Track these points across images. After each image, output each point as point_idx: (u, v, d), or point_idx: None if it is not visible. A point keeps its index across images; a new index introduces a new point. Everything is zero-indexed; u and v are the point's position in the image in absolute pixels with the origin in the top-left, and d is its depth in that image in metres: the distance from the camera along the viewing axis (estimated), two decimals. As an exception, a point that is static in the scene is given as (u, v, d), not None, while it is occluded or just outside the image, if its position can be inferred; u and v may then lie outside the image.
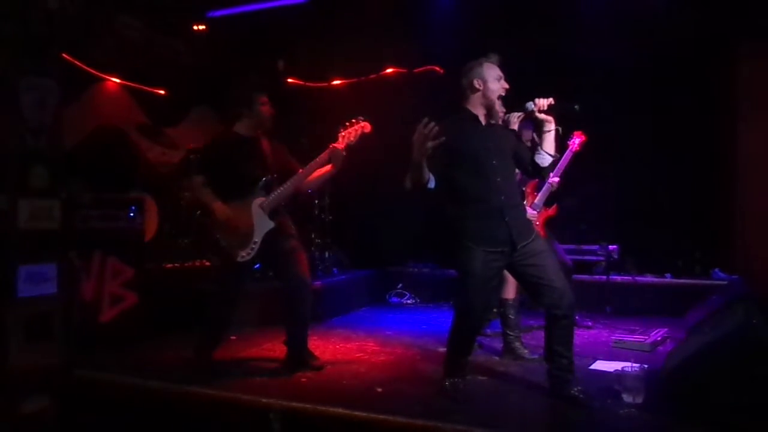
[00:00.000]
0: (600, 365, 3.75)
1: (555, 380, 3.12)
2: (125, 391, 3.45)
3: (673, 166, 5.85)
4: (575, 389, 3.04)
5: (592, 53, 5.63)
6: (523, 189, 4.34)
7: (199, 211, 3.74)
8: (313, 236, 6.05)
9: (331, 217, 6.27)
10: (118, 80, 6.34)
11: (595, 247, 5.76)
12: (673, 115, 5.82)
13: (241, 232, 3.63)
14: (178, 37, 6.41)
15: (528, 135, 3.96)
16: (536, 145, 3.24)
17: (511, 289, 4.11)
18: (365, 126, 3.67)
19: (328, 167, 3.70)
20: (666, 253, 5.93)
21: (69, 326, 3.60)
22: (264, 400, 3.09)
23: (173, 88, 6.73)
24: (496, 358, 4.03)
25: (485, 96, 3.17)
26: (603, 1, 5.59)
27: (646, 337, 4.29)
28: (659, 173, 5.89)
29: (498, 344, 4.21)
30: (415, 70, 6.92)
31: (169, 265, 5.43)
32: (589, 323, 5.00)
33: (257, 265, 5.10)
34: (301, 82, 7.33)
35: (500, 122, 3.32)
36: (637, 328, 4.67)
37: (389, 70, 7.01)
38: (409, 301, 6.46)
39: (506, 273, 3.99)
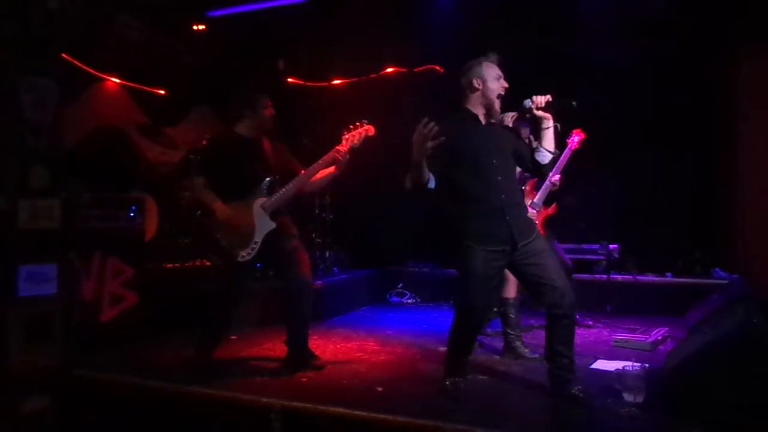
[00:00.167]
0: (600, 364, 3.75)
1: (556, 379, 3.12)
2: (125, 391, 3.45)
3: (674, 165, 5.84)
4: (576, 388, 3.04)
5: (592, 53, 5.63)
6: (523, 188, 4.34)
7: (199, 211, 3.73)
8: (313, 236, 6.06)
9: (331, 217, 6.28)
10: (117, 80, 6.34)
11: (595, 246, 5.75)
12: (674, 114, 5.83)
13: (242, 232, 3.63)
14: (178, 37, 6.40)
15: (525, 133, 3.96)
16: (535, 143, 3.24)
17: (511, 288, 4.11)
18: (369, 129, 3.67)
19: (331, 169, 3.70)
20: (666, 252, 5.93)
21: (69, 326, 3.61)
22: (264, 400, 3.08)
23: (173, 87, 6.73)
24: (497, 357, 4.03)
25: (484, 95, 3.16)
26: (603, 1, 5.59)
27: (647, 337, 4.29)
28: (660, 172, 5.89)
29: (498, 343, 4.21)
30: (416, 70, 6.92)
31: (170, 265, 5.43)
32: (590, 322, 5.00)
33: (258, 265, 5.11)
34: (302, 82, 7.33)
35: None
36: (638, 327, 4.67)
37: (389, 70, 7.01)
38: (409, 301, 6.47)
39: (507, 272, 4.01)
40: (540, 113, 3.18)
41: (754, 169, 5.59)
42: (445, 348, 3.36)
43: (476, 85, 3.16)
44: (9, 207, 3.23)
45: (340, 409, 2.94)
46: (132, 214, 4.68)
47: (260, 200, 3.67)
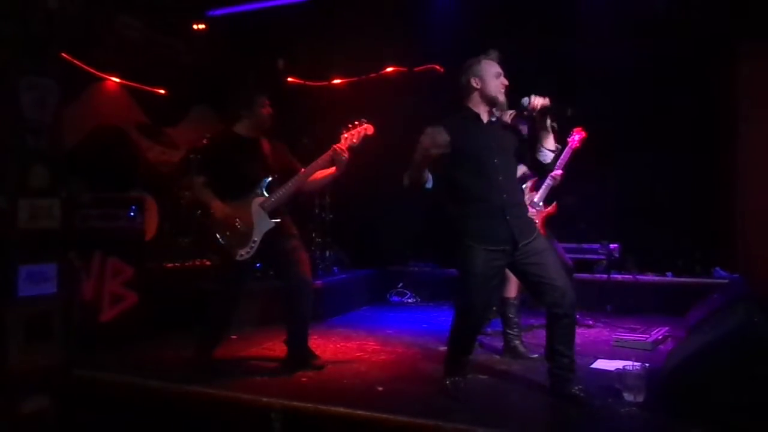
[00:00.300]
0: (601, 364, 3.75)
1: (556, 379, 3.11)
2: (125, 391, 3.45)
3: (674, 164, 5.84)
4: (576, 388, 3.04)
5: (592, 53, 5.62)
6: (524, 186, 4.33)
7: (199, 211, 3.73)
8: (313, 235, 6.05)
9: (331, 216, 6.27)
10: (117, 80, 6.33)
11: (595, 245, 5.75)
12: (674, 114, 5.82)
13: (241, 231, 3.63)
14: (178, 36, 6.40)
15: (524, 130, 3.96)
16: (536, 142, 3.23)
17: (512, 288, 4.11)
18: (368, 128, 3.66)
19: (331, 169, 3.70)
20: (667, 251, 5.93)
21: (69, 326, 3.60)
22: (265, 400, 3.08)
23: (173, 87, 6.72)
24: (497, 356, 4.03)
25: (484, 94, 3.16)
26: (603, 1, 5.59)
27: (647, 336, 4.29)
28: (660, 172, 5.89)
29: (498, 343, 4.21)
30: (416, 69, 6.91)
31: (170, 265, 5.43)
32: (590, 322, 5.00)
33: (258, 265, 5.11)
34: (302, 81, 7.33)
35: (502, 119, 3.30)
36: (638, 326, 4.67)
37: (390, 69, 7.00)
38: (409, 300, 6.46)
39: (508, 272, 4.01)
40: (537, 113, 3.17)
41: (755, 168, 5.59)
42: (445, 347, 3.36)
43: (474, 84, 3.16)
44: (9, 206, 3.22)
45: (341, 409, 2.94)
46: (132, 214, 4.68)
47: (259, 199, 3.67)
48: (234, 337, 4.54)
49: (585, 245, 5.79)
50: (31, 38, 3.33)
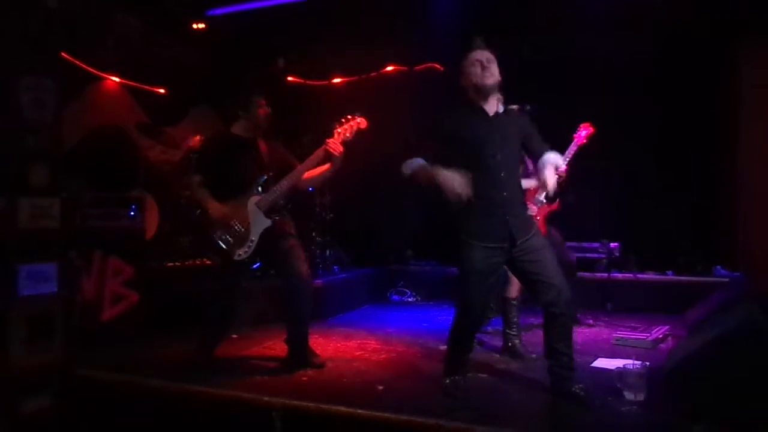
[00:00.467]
0: (601, 363, 3.75)
1: (556, 378, 3.11)
2: (126, 390, 3.45)
3: (675, 163, 5.84)
4: (576, 387, 3.03)
5: (592, 52, 5.62)
6: (526, 185, 4.30)
7: (199, 211, 3.73)
8: (314, 234, 6.05)
9: (331, 215, 6.27)
10: (117, 79, 6.33)
11: (596, 244, 5.75)
12: (675, 112, 5.82)
13: (238, 230, 3.63)
14: (178, 35, 6.39)
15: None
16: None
17: (513, 289, 4.11)
18: (361, 122, 3.65)
19: (326, 165, 3.70)
20: (667, 250, 5.93)
21: (70, 325, 3.61)
22: (266, 399, 3.08)
23: (173, 86, 6.72)
24: (497, 355, 4.03)
25: (471, 86, 3.12)
26: (604, 1, 5.58)
27: (648, 335, 4.28)
28: (660, 170, 5.88)
29: (498, 342, 4.21)
30: (416, 68, 6.91)
31: (170, 264, 5.43)
32: (591, 321, 4.99)
33: (257, 264, 5.10)
34: (302, 81, 7.32)
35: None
36: (639, 325, 4.66)
37: (390, 68, 7.00)
38: (410, 299, 6.46)
39: (510, 273, 4.01)
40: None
41: (755, 167, 5.59)
42: (445, 346, 3.36)
43: (464, 82, 3.14)
44: (9, 206, 3.23)
45: (341, 408, 2.93)
46: (132, 213, 4.68)
47: (255, 198, 3.68)
48: (235, 336, 4.54)
49: (585, 244, 5.79)
50: (30, 37, 3.33)
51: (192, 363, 3.74)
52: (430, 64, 6.82)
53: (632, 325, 4.74)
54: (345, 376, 3.58)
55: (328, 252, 6.23)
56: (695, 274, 5.71)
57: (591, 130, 4.55)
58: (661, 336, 4.34)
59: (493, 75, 3.08)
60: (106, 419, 3.44)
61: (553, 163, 3.12)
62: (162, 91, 6.74)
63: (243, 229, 3.64)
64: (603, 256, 5.69)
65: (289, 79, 7.27)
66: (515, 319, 4.07)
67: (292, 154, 3.94)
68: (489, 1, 5.83)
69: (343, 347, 4.35)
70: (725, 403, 2.66)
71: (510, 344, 4.03)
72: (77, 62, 5.74)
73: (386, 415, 2.84)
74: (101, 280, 4.52)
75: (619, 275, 5.67)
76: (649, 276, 5.78)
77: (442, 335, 3.44)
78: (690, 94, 5.79)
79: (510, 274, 4.02)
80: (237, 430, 3.15)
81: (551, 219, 4.52)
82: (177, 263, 5.48)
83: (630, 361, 3.12)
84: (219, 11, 6.25)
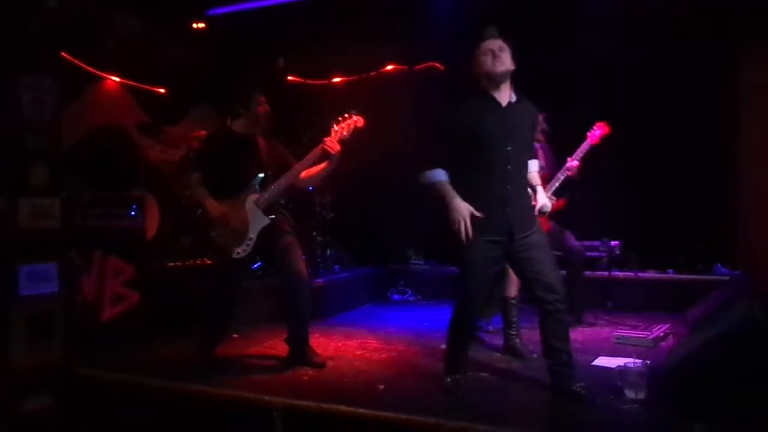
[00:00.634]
0: (602, 361, 3.75)
1: (556, 376, 3.11)
2: (126, 390, 3.45)
3: (675, 161, 5.83)
4: (577, 385, 3.03)
5: (593, 51, 5.61)
6: (537, 186, 4.28)
7: (200, 210, 3.73)
8: (314, 234, 6.05)
9: (332, 215, 6.27)
10: (117, 79, 6.33)
11: (597, 242, 5.74)
12: (675, 110, 5.81)
13: (236, 229, 3.63)
14: (178, 35, 6.39)
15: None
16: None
17: (512, 288, 4.11)
18: (358, 121, 3.64)
19: (324, 164, 3.70)
20: (668, 248, 5.92)
21: (70, 325, 3.61)
22: (266, 398, 3.08)
23: (173, 86, 6.72)
24: (498, 354, 4.03)
25: (483, 75, 3.10)
26: (604, 1, 5.57)
27: (649, 333, 4.28)
28: (661, 169, 5.87)
29: (499, 341, 4.21)
30: (416, 67, 6.91)
31: (171, 264, 5.43)
32: (591, 319, 4.99)
33: (258, 264, 5.11)
34: (302, 80, 7.32)
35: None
36: (640, 323, 4.66)
37: (390, 67, 7.00)
38: (410, 299, 6.46)
39: (509, 272, 4.01)
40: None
41: (755, 167, 5.58)
42: (446, 345, 3.36)
43: (477, 70, 3.12)
44: (9, 206, 3.23)
45: (342, 407, 2.94)
46: (132, 213, 4.68)
47: (253, 196, 3.68)
48: (235, 335, 4.54)
49: (586, 242, 5.77)
50: (30, 37, 3.33)
51: (192, 362, 3.74)
52: (430, 63, 6.82)
53: (633, 323, 4.74)
54: (346, 375, 3.58)
55: (328, 251, 6.23)
56: (696, 272, 5.70)
57: (606, 130, 4.52)
58: (661, 334, 4.34)
59: (504, 63, 3.05)
60: (106, 419, 3.44)
61: (535, 170, 3.23)
62: (162, 90, 6.74)
63: (242, 228, 3.64)
64: (604, 254, 5.68)
65: (289, 78, 7.26)
66: (515, 319, 4.08)
67: (292, 154, 3.94)
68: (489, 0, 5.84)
69: (344, 346, 4.35)
70: (726, 401, 2.66)
71: (510, 343, 4.03)
72: (77, 62, 5.74)
73: (387, 414, 2.84)
74: (101, 280, 4.52)
75: (620, 274, 5.66)
76: (650, 274, 5.77)
77: (442, 334, 3.44)
78: (690, 94, 5.78)
79: (510, 273, 4.04)
80: (238, 429, 3.15)
81: (555, 215, 4.52)
82: (177, 263, 5.48)
83: (631, 360, 3.12)
84: (219, 11, 6.25)
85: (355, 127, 3.63)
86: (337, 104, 6.50)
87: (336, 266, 6.20)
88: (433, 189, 3.09)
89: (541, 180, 4.36)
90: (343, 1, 5.88)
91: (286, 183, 3.70)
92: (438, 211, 3.15)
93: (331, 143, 3.58)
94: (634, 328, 4.52)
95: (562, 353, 3.08)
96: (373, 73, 7.00)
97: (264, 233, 3.66)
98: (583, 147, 4.47)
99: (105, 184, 5.40)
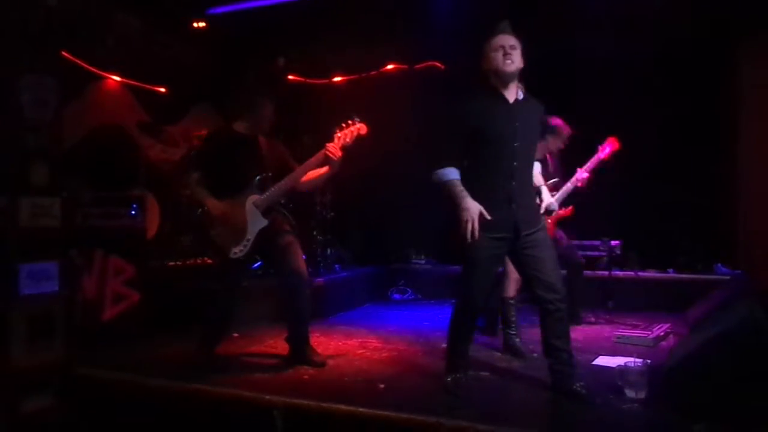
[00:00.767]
0: (602, 361, 3.75)
1: (556, 375, 3.11)
2: (127, 389, 3.45)
3: (676, 161, 5.83)
4: (578, 385, 3.03)
5: (592, 50, 5.61)
6: (541, 186, 4.30)
7: (200, 210, 3.74)
8: (314, 233, 6.05)
9: (332, 214, 6.27)
10: (118, 78, 6.33)
11: (597, 242, 5.75)
12: (675, 110, 5.81)
13: (235, 228, 3.64)
14: (178, 34, 6.40)
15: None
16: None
17: (511, 288, 4.11)
18: (361, 128, 3.64)
19: (325, 168, 3.70)
20: (668, 248, 5.93)
21: (71, 324, 3.61)
22: (267, 397, 3.08)
23: (174, 85, 6.72)
24: (498, 354, 4.03)
25: (492, 71, 3.07)
26: (604, 1, 5.58)
27: (649, 333, 4.28)
28: (661, 168, 5.88)
29: (499, 341, 4.20)
30: (417, 66, 6.91)
31: (171, 263, 5.43)
32: (592, 319, 4.99)
33: (258, 264, 5.11)
34: (302, 79, 7.32)
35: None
36: (640, 323, 4.67)
37: (390, 67, 7.00)
38: (410, 298, 6.47)
39: (508, 272, 4.02)
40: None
41: (756, 165, 5.58)
42: (446, 344, 3.36)
43: (485, 66, 3.10)
44: (10, 205, 3.23)
45: (343, 406, 2.93)
46: (133, 212, 4.68)
47: (253, 197, 3.68)
48: (236, 335, 4.54)
49: (586, 242, 5.79)
50: (31, 36, 3.33)
51: (193, 362, 3.73)
52: (430, 63, 6.82)
53: (633, 323, 4.75)
54: (346, 374, 3.58)
55: (329, 251, 6.23)
56: (696, 272, 5.71)
57: (616, 146, 4.56)
58: (662, 334, 4.34)
59: (514, 62, 3.03)
60: (106, 418, 3.44)
61: (538, 171, 3.18)
62: (162, 89, 6.74)
63: (240, 228, 3.64)
64: (604, 254, 5.68)
65: (290, 77, 7.27)
66: (514, 318, 4.08)
67: (293, 154, 3.95)
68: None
69: (344, 346, 4.35)
70: (726, 401, 2.66)
71: (510, 343, 4.03)
72: (78, 61, 5.74)
73: (387, 413, 2.84)
74: (102, 280, 4.52)
75: (620, 273, 5.67)
76: (650, 274, 5.78)
77: (443, 333, 3.45)
78: (690, 94, 5.79)
79: (507, 273, 4.05)
80: (238, 428, 3.15)
81: (561, 223, 4.55)
82: (178, 262, 5.49)
83: (631, 359, 3.12)
84: (219, 10, 6.25)
85: (358, 135, 3.63)
86: (338, 104, 6.56)
87: (336, 265, 6.20)
88: (444, 188, 3.07)
89: (551, 186, 4.40)
90: (343, 1, 5.88)
91: (287, 186, 3.71)
92: (442, 210, 3.15)
93: (333, 149, 3.58)
94: (635, 327, 4.52)
95: (562, 352, 3.08)
96: (373, 73, 7.00)
97: (263, 233, 3.66)
98: (594, 160, 4.51)
99: (105, 184, 5.40)
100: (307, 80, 7.31)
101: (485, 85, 3.14)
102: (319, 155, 3.63)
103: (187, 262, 5.50)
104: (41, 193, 3.33)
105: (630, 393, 3.01)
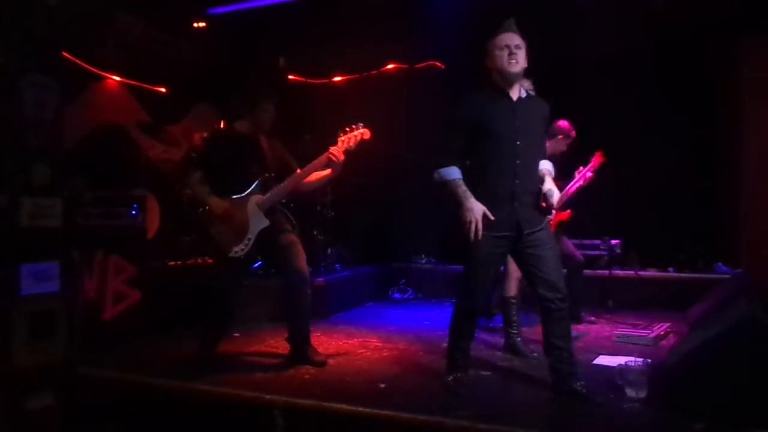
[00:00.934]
0: (603, 360, 3.75)
1: (557, 374, 3.11)
2: (128, 388, 3.46)
3: (676, 160, 5.83)
4: (578, 384, 3.03)
5: (593, 51, 5.61)
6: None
7: (201, 209, 3.74)
8: (315, 233, 6.05)
9: (333, 214, 6.28)
10: (118, 78, 6.34)
11: (597, 241, 5.75)
12: (676, 109, 5.82)
13: (236, 228, 3.64)
14: (179, 34, 6.40)
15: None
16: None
17: (512, 287, 4.12)
18: (365, 133, 3.65)
19: (327, 171, 3.71)
20: (669, 247, 5.93)
21: (72, 324, 3.61)
22: (267, 397, 3.09)
23: (174, 85, 6.72)
24: (499, 353, 4.04)
25: (500, 72, 3.06)
26: (604, 1, 5.58)
27: (649, 332, 4.29)
28: (662, 167, 5.88)
29: (500, 339, 4.21)
30: (417, 66, 6.91)
31: (172, 263, 5.44)
32: (592, 318, 4.99)
33: (258, 264, 5.11)
34: (303, 79, 7.32)
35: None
36: (640, 322, 4.67)
37: (391, 66, 7.00)
38: (411, 297, 6.47)
39: (509, 271, 4.02)
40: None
41: (757, 163, 5.58)
42: (447, 343, 3.36)
43: (489, 64, 3.09)
44: (10, 205, 3.23)
45: (343, 406, 2.94)
46: (134, 212, 4.69)
47: (255, 197, 3.69)
48: (236, 334, 4.55)
49: (586, 241, 5.79)
50: (31, 36, 3.33)
51: (194, 361, 3.74)
52: (431, 62, 6.82)
53: (634, 322, 4.75)
54: (347, 373, 3.59)
55: (329, 250, 6.24)
56: (696, 270, 5.71)
57: (601, 160, 4.60)
58: (662, 333, 4.34)
59: (519, 62, 3.02)
60: (107, 418, 3.44)
61: (547, 171, 3.19)
62: (163, 89, 6.74)
63: (241, 227, 3.65)
64: (604, 253, 5.69)
65: (290, 77, 7.27)
66: (515, 317, 4.08)
67: (293, 153, 3.96)
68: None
69: (345, 345, 4.35)
70: (726, 400, 2.66)
71: (511, 342, 4.04)
72: (78, 61, 5.74)
73: (388, 412, 2.84)
74: (103, 279, 4.52)
75: (621, 272, 5.67)
76: (651, 273, 5.78)
77: (443, 333, 3.45)
78: (690, 94, 5.78)
79: (509, 273, 4.05)
80: (239, 428, 3.15)
81: (560, 225, 4.55)
82: (178, 262, 5.49)
83: (631, 358, 3.13)
84: (219, 10, 6.25)
85: (362, 139, 3.64)
86: (338, 104, 6.56)
87: (337, 265, 6.21)
88: (447, 187, 3.07)
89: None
90: (343, 1, 5.88)
91: (289, 187, 3.72)
92: (442, 209, 3.15)
93: (337, 152, 3.59)
94: (635, 326, 4.52)
95: (562, 351, 3.08)
96: (373, 72, 7.00)
97: (264, 233, 3.67)
98: (579, 179, 4.55)
99: (106, 184, 5.40)
100: (307, 80, 7.32)
101: (488, 83, 3.13)
102: (323, 158, 3.64)
103: (188, 262, 5.51)
104: (42, 193, 3.33)
105: (630, 392, 3.01)
